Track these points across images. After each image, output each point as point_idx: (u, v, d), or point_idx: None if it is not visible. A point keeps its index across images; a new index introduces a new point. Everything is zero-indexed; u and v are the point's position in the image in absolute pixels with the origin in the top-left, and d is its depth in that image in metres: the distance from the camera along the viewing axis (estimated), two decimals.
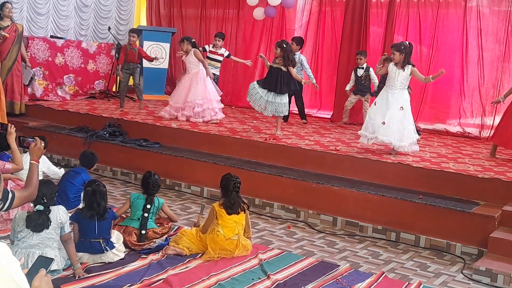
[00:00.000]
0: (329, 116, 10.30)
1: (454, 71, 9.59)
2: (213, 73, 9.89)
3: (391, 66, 6.89)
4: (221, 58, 10.00)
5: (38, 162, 3.77)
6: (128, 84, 9.99)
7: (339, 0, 10.63)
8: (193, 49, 8.63)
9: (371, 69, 8.98)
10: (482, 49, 9.19)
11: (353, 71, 9.24)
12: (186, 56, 8.69)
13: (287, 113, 8.12)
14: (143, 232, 5.00)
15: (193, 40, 8.86)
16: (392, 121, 6.80)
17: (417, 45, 9.85)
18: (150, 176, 5.32)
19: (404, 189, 6.21)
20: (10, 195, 3.46)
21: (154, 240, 5.03)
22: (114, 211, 5.06)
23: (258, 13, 10.44)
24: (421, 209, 5.77)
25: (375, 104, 7.06)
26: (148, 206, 5.15)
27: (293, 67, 7.73)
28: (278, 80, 7.61)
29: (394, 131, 6.82)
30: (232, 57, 10.12)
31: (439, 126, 9.57)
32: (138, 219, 5.08)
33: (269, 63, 7.89)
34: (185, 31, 12.27)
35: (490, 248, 5.23)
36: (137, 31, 9.82)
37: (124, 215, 5.36)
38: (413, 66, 6.88)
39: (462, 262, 5.27)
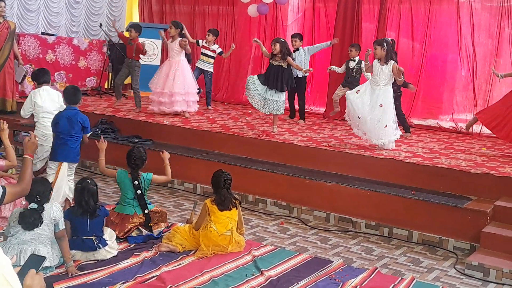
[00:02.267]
0: (322, 112, 10.31)
1: (447, 66, 9.63)
2: (206, 70, 9.84)
3: (375, 62, 6.96)
4: (213, 54, 9.92)
5: (32, 156, 3.78)
6: (124, 82, 9.79)
7: None
8: (179, 38, 8.53)
9: (363, 62, 8.95)
10: (475, 44, 9.22)
11: (345, 63, 9.17)
12: (171, 42, 8.60)
13: (283, 112, 8.04)
14: (147, 211, 5.19)
15: (183, 29, 8.71)
16: (370, 118, 6.87)
17: (409, 40, 9.88)
18: (133, 150, 5.38)
19: (397, 185, 6.22)
20: (1, 190, 3.44)
21: (160, 224, 5.25)
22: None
23: (252, 10, 10.44)
24: (414, 204, 5.78)
25: (356, 92, 7.11)
26: (136, 183, 5.22)
27: (291, 58, 7.79)
28: (279, 78, 7.63)
29: (370, 129, 6.92)
30: (223, 54, 10.06)
31: (432, 122, 9.60)
32: (132, 199, 5.20)
33: (265, 49, 7.97)
34: None
35: (482, 243, 5.25)
36: (135, 26, 9.32)
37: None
38: (396, 62, 6.93)
39: (455, 257, 5.29)
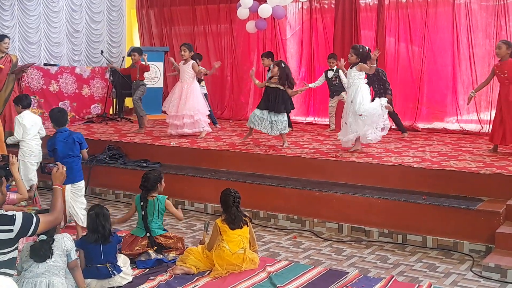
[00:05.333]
0: (327, 123, 10.32)
1: (447, 69, 9.64)
2: None
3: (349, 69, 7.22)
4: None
5: (61, 186, 3.87)
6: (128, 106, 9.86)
7: (329, 7, 10.70)
8: (192, 61, 8.61)
9: (340, 71, 9.07)
10: (473, 45, 9.23)
11: (323, 74, 9.29)
12: (183, 64, 8.62)
13: (287, 130, 8.04)
14: (148, 234, 5.15)
15: (193, 52, 8.76)
16: (349, 117, 7.08)
17: (408, 45, 9.92)
18: (146, 172, 5.49)
19: (407, 191, 6.20)
20: (35, 219, 3.51)
21: (172, 251, 5.18)
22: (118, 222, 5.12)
23: (250, 27, 10.52)
24: (426, 209, 5.76)
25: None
26: (142, 203, 5.25)
27: (291, 88, 7.83)
28: (277, 100, 7.76)
29: (353, 126, 7.06)
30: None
31: (438, 125, 9.60)
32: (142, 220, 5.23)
33: (258, 81, 8.19)
34: (178, 49, 12.29)
35: (497, 243, 5.21)
36: (137, 49, 9.47)
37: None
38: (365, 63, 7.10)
39: (471, 260, 5.26)
